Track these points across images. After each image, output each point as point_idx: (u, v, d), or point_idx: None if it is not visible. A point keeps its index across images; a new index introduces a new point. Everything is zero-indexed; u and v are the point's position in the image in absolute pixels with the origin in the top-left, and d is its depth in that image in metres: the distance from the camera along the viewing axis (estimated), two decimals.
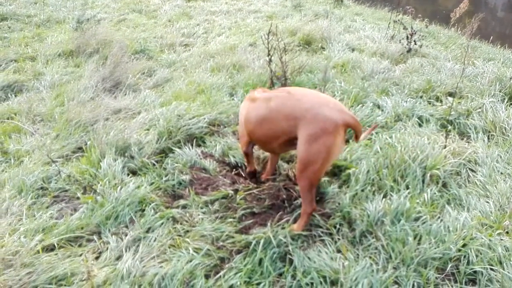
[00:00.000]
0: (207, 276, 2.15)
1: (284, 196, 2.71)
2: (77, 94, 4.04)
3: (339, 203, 2.63)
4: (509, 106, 3.80)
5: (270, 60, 4.07)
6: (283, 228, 2.39)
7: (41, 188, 2.78)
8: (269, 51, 4.03)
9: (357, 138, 2.38)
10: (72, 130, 3.43)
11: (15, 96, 4.24)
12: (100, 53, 5.20)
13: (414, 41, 5.48)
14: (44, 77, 4.61)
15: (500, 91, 4.08)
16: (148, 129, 3.43)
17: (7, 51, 5.36)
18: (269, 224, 2.44)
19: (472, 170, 2.97)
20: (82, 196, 2.68)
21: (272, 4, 8.83)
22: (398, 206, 2.51)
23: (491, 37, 6.70)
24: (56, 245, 2.29)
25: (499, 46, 6.60)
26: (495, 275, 2.13)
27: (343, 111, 2.26)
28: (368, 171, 2.84)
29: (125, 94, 4.22)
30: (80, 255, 2.25)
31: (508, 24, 12.07)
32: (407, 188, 2.72)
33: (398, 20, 5.89)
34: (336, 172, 2.94)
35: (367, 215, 2.49)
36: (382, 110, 3.78)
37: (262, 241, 2.28)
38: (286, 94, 2.43)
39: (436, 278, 2.15)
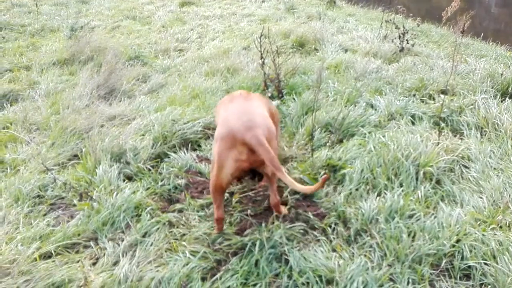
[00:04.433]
0: (203, 279, 2.16)
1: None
2: (72, 102, 4.06)
3: (334, 203, 2.65)
4: (501, 102, 3.82)
5: (263, 63, 4.09)
6: (278, 229, 2.41)
7: (38, 196, 2.80)
8: (261, 53, 4.06)
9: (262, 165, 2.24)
10: (68, 137, 3.44)
11: (11, 105, 4.25)
12: (95, 60, 5.23)
13: (407, 40, 5.51)
14: (39, 86, 4.63)
15: (492, 88, 4.12)
16: (143, 135, 3.44)
17: (1, 61, 5.39)
18: (264, 225, 2.46)
19: (465, 166, 2.99)
20: (79, 203, 2.69)
21: (265, 7, 8.87)
22: (392, 204, 2.53)
23: (482, 34, 6.74)
24: (53, 252, 2.30)
25: (491, 43, 6.64)
26: (489, 270, 2.14)
27: (250, 129, 2.17)
28: (362, 170, 2.86)
29: (120, 101, 4.25)
30: (77, 261, 2.26)
31: (501, 21, 12.13)
32: (401, 186, 2.74)
33: (390, 20, 5.93)
34: (331, 172, 2.97)
35: (362, 214, 2.51)
36: (375, 109, 3.80)
37: (258, 243, 2.30)
38: (239, 95, 2.62)
39: (431, 274, 2.17)
